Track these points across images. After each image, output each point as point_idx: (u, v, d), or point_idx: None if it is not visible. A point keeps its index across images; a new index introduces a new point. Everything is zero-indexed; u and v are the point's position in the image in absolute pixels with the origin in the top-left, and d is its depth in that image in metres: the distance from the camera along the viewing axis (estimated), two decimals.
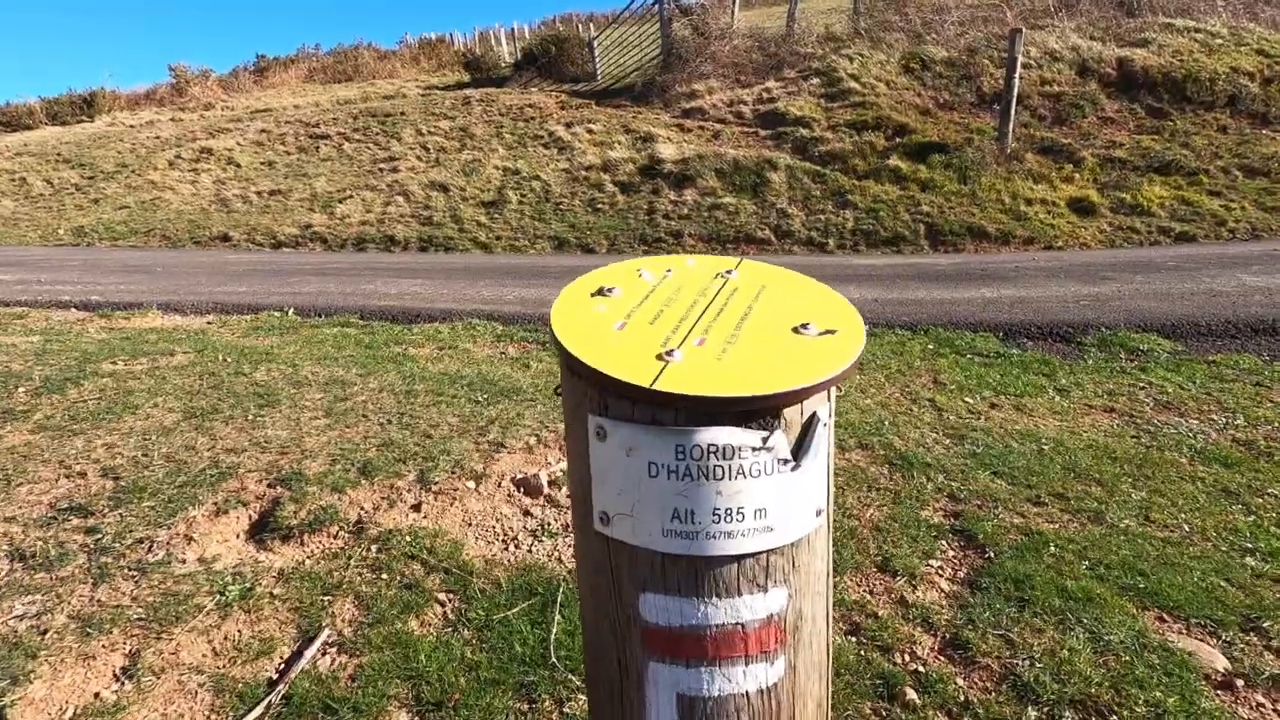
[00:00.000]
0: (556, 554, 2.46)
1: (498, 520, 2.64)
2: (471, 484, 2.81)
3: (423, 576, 2.30)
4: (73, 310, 6.28)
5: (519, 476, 2.87)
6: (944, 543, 2.54)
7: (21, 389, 3.74)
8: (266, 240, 10.53)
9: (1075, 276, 6.47)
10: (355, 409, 3.42)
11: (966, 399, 3.85)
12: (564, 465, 2.96)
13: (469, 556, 2.41)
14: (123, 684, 1.89)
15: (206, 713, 1.82)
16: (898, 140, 9.93)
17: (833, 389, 1.00)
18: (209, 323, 5.73)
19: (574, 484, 1.09)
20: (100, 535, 2.43)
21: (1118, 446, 3.26)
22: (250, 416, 3.31)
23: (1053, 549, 2.45)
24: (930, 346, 4.75)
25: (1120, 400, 3.84)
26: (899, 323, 5.24)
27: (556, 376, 4.02)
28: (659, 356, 0.95)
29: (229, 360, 4.25)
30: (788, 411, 0.95)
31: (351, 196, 11.37)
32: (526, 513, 2.69)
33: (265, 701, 1.84)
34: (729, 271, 1.25)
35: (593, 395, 0.94)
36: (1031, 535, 2.54)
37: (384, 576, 2.30)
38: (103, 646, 1.99)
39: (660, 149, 10.58)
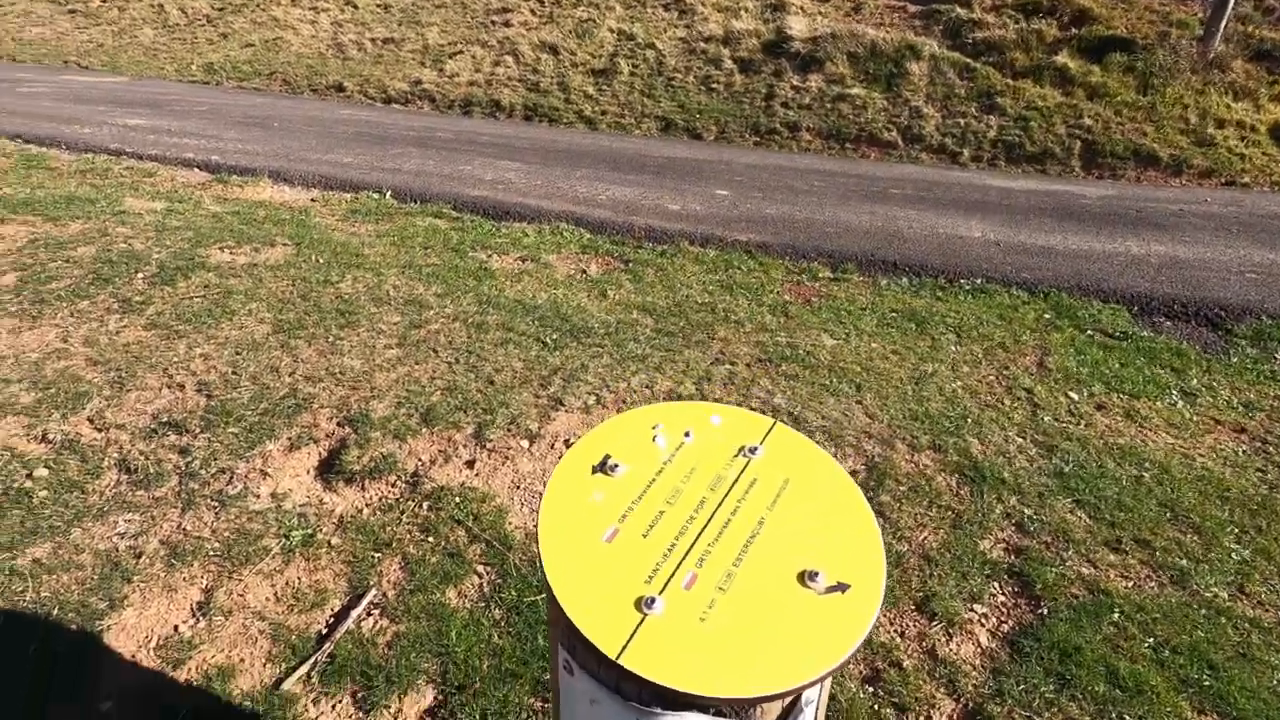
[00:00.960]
0: None
1: (544, 487, 2.71)
2: (525, 443, 2.87)
3: (465, 545, 2.42)
4: (195, 171, 6.62)
5: (573, 441, 2.89)
6: (996, 585, 2.40)
7: (140, 275, 4.05)
8: (378, 94, 10.53)
9: (1252, 233, 5.54)
10: (427, 340, 3.50)
11: (1071, 394, 3.49)
12: None
13: (511, 528, 2.51)
14: (197, 620, 2.15)
15: (264, 660, 2.05)
16: (1073, 31, 8.45)
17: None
18: (312, 200, 5.91)
19: (551, 682, 1.06)
20: (191, 458, 2.68)
21: (1235, 482, 2.91)
22: (331, 339, 3.46)
23: (1116, 616, 2.27)
24: (1047, 316, 4.28)
25: (1258, 417, 3.38)
26: (1017, 280, 4.72)
27: (631, 310, 3.94)
28: (638, 605, 0.87)
29: (320, 262, 4.40)
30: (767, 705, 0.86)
31: (461, 52, 11.04)
32: None
33: (313, 659, 2.05)
34: (753, 449, 1.11)
35: (564, 627, 0.88)
36: (1096, 594, 2.35)
37: (430, 540, 2.44)
38: (184, 579, 2.25)
39: (791, 21, 9.51)
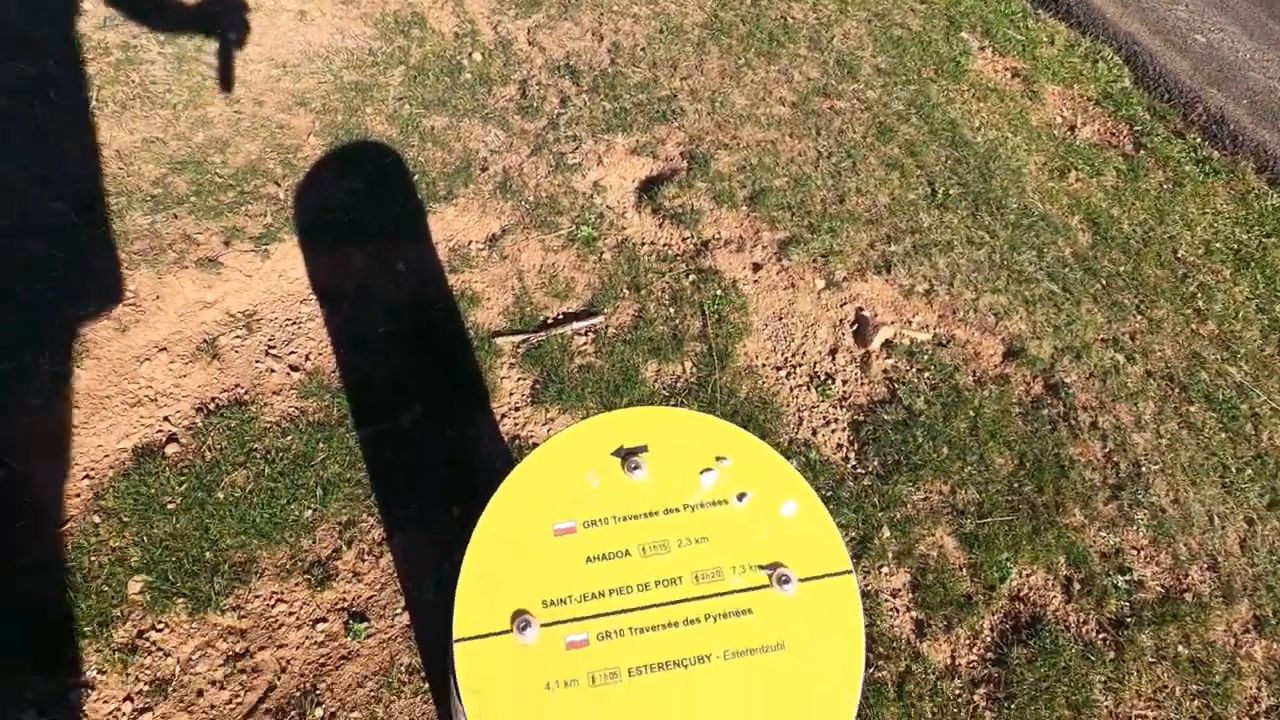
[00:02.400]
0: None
1: (801, 357, 2.48)
2: (819, 283, 2.58)
3: (689, 335, 2.41)
4: None
5: (870, 318, 2.52)
6: None
7: None
8: None
9: None
10: (821, 116, 3.08)
11: None
12: (923, 331, 2.50)
13: (739, 354, 2.41)
14: (484, 248, 2.53)
15: (500, 310, 2.40)
16: None
17: None
18: None
19: None
20: (564, 111, 2.89)
21: None
22: (739, 63, 3.22)
23: None
24: None
25: None
26: None
27: (1089, 230, 2.99)
28: None
29: None
30: None
31: None
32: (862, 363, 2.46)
33: (527, 337, 2.34)
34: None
35: None
36: None
37: (670, 310, 2.45)
38: (495, 211, 2.60)
39: None
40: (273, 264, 2.38)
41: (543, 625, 0.81)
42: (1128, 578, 2.17)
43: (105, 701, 1.76)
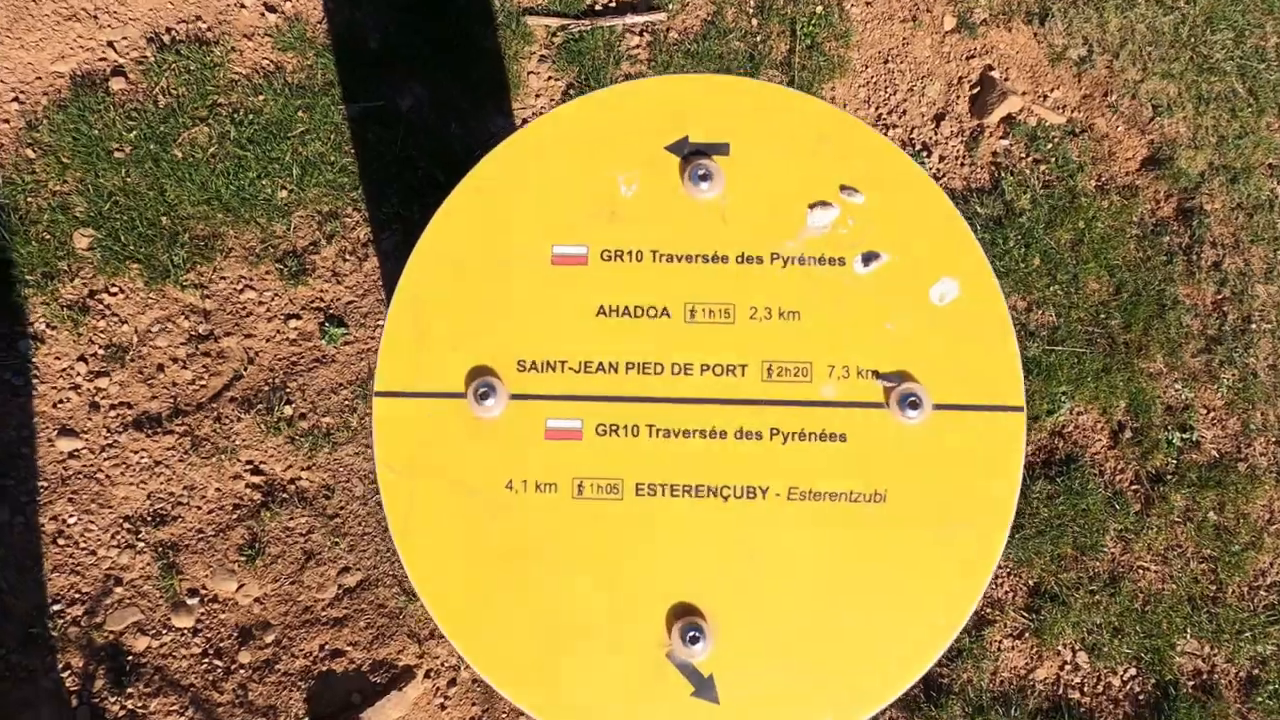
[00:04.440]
0: None
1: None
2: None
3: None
4: None
5: (998, 82, 1.98)
6: None
7: None
8: None
9: None
10: None
11: None
12: (1056, 113, 1.99)
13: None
14: None
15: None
16: None
17: None
18: None
19: None
20: None
21: None
22: None
23: None
24: None
25: None
26: None
27: None
28: None
29: None
30: None
31: None
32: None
33: (569, 26, 1.83)
34: None
35: None
36: None
37: (763, 17, 1.91)
38: None
39: None
40: None
41: (513, 396, 0.55)
42: (1186, 436, 1.95)
43: (58, 358, 1.60)
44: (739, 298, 0.56)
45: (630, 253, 0.58)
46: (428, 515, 0.55)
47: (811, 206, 0.58)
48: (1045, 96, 2.02)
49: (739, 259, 0.57)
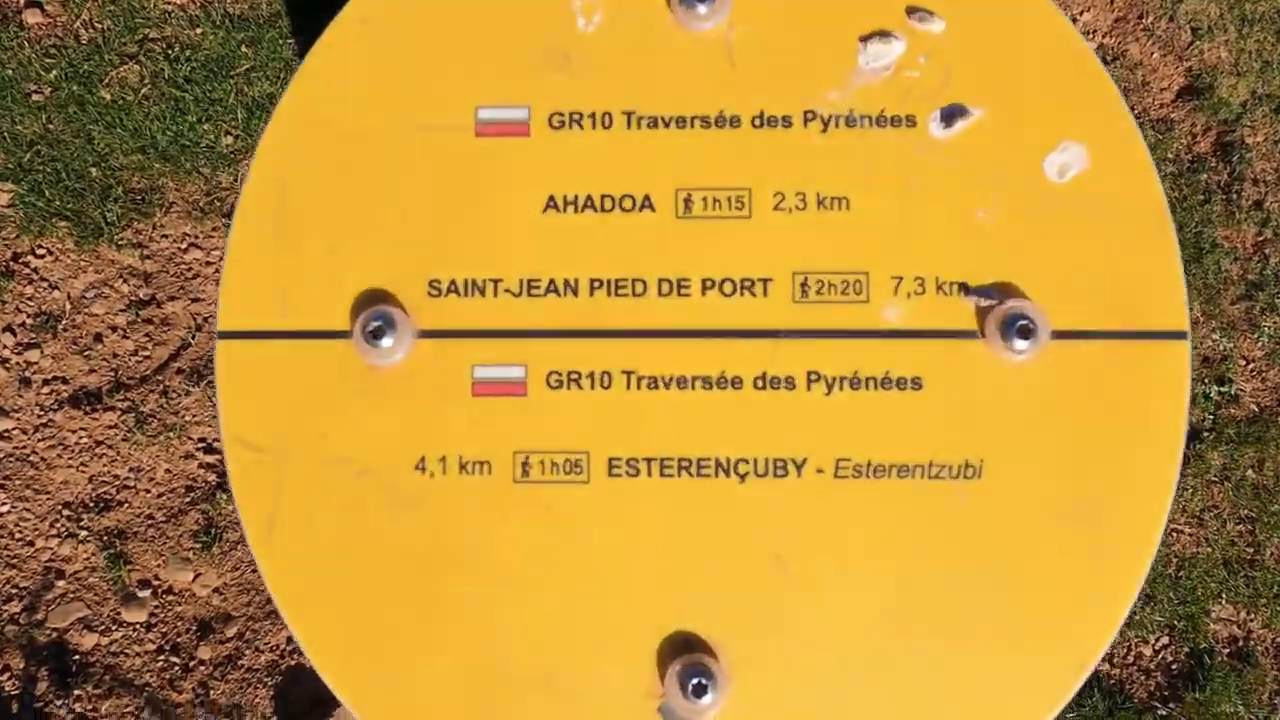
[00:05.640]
0: None
1: None
2: None
3: None
4: None
5: None
6: None
7: None
8: None
9: None
10: None
11: None
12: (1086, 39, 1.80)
13: None
14: None
15: None
16: None
17: None
18: None
19: None
20: None
21: None
22: None
23: None
24: None
25: None
26: None
27: None
28: None
29: None
30: None
31: None
32: None
33: None
34: None
35: None
36: None
37: None
38: None
39: None
40: None
41: (422, 333, 0.37)
42: (1224, 389, 1.81)
43: None
44: (757, 179, 0.38)
45: (593, 116, 0.39)
46: (301, 512, 0.39)
47: (865, 38, 0.40)
48: (1075, 20, 1.84)
49: (756, 121, 0.38)
